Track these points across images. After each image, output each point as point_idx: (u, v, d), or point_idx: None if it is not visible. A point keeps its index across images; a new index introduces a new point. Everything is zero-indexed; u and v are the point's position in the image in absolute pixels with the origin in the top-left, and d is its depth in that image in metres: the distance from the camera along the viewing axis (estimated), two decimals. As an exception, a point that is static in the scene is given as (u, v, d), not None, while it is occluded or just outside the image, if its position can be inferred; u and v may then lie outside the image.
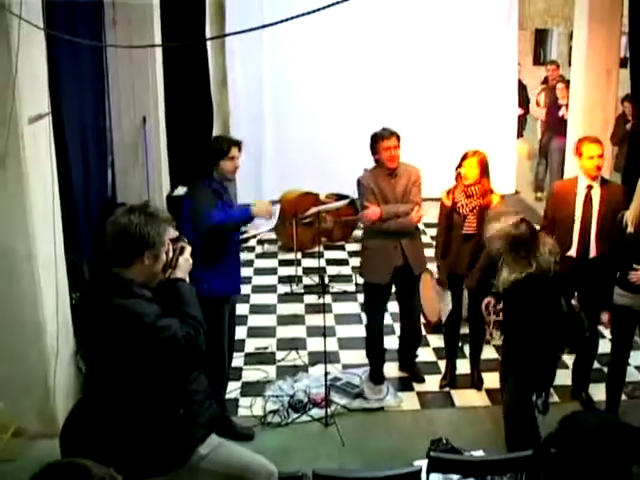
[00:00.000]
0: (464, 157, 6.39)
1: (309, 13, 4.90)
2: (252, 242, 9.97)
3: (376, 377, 6.86)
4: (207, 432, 3.83)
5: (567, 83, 10.75)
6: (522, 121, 12.50)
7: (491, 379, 6.59)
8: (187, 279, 3.76)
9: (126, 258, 3.56)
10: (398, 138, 6.40)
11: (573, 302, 6.03)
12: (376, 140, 6.40)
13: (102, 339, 3.53)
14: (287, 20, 5.02)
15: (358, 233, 9.75)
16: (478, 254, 6.33)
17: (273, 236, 10.17)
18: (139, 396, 3.56)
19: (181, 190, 9.12)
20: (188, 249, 3.78)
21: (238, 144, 5.78)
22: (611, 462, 3.32)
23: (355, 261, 7.05)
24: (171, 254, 3.68)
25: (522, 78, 12.49)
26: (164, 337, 3.44)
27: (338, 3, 4.78)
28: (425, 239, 10.18)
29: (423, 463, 4.44)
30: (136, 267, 3.56)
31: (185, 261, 3.74)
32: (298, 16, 5.00)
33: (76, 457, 2.33)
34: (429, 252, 9.11)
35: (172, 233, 3.72)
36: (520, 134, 12.38)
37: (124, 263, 3.56)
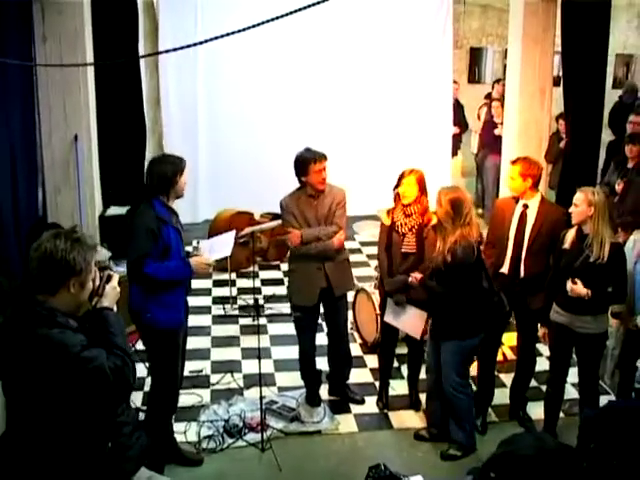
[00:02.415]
0: (402, 176, 6.36)
1: (242, 30, 4.86)
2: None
3: (312, 399, 6.78)
4: (137, 465, 3.71)
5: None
6: (458, 140, 12.57)
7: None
8: (114, 308, 3.63)
9: (51, 285, 3.41)
10: (326, 159, 6.34)
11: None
12: (307, 162, 6.29)
13: (24, 370, 3.36)
14: (220, 37, 4.97)
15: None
16: (413, 270, 6.35)
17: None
18: (65, 430, 3.41)
19: (114, 210, 8.94)
20: (115, 277, 3.66)
21: (183, 159, 5.67)
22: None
23: (291, 281, 6.99)
24: (98, 282, 3.56)
25: (459, 97, 12.60)
26: (90, 368, 3.31)
27: (271, 21, 4.74)
28: (361, 258, 10.21)
29: (361, 490, 4.37)
30: (61, 295, 3.42)
31: (112, 289, 3.62)
32: (231, 33, 4.95)
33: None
34: (365, 271, 9.13)
35: (104, 255, 3.61)
36: (455, 153, 12.45)
37: (49, 290, 3.42)
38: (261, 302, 6.57)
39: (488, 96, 12.70)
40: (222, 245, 6.36)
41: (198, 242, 7.82)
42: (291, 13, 4.74)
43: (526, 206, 6.29)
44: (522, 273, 6.28)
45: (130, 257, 5.55)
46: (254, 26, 4.81)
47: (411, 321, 6.44)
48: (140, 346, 6.40)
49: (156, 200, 5.55)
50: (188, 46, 5.72)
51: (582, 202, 5.63)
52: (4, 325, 3.48)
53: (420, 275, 6.13)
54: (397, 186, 6.39)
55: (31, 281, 3.44)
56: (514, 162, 6.36)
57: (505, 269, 6.31)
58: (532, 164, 6.32)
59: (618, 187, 8.11)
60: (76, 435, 3.43)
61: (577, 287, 5.62)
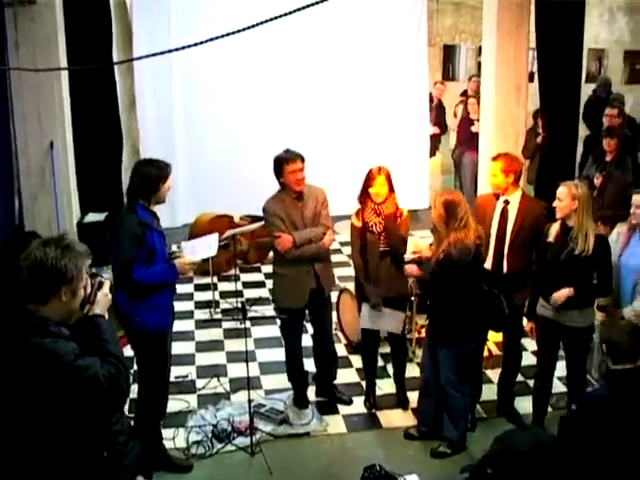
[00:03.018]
0: (372, 177, 6.32)
1: (217, 38, 4.84)
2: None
3: (300, 401, 6.74)
4: (133, 474, 3.66)
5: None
6: (437, 140, 12.58)
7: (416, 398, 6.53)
8: (106, 315, 3.58)
9: (42, 294, 3.35)
10: (303, 160, 6.29)
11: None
12: (281, 163, 6.26)
13: (17, 381, 3.29)
14: (194, 45, 4.95)
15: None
16: (395, 269, 6.38)
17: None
18: (60, 440, 3.34)
19: (92, 216, 8.86)
20: (107, 284, 3.61)
21: (169, 165, 5.64)
22: (546, 481, 3.30)
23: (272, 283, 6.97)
24: (89, 289, 3.50)
25: (442, 98, 12.60)
26: (85, 377, 3.25)
27: (246, 29, 4.73)
28: (342, 258, 10.19)
29: (357, 491, 4.35)
30: (53, 303, 3.36)
31: (104, 296, 3.57)
32: (205, 41, 4.93)
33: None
34: (346, 271, 9.11)
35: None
36: (434, 153, 12.45)
37: (40, 299, 3.35)
38: (246, 306, 6.52)
39: (464, 94, 12.72)
40: (205, 246, 6.30)
41: (178, 246, 7.75)
42: (266, 22, 4.73)
43: (507, 202, 6.31)
44: (505, 269, 6.28)
45: (116, 264, 5.51)
46: (229, 34, 4.81)
47: (388, 320, 6.45)
48: (127, 352, 6.34)
49: (137, 204, 5.50)
50: (162, 52, 5.72)
51: (566, 196, 5.65)
52: None
53: (416, 268, 6.10)
54: (368, 187, 6.35)
55: (21, 291, 3.38)
56: (495, 158, 6.37)
57: (488, 265, 6.31)
58: (513, 160, 6.34)
59: (597, 181, 8.15)
60: (71, 445, 3.37)
61: (558, 294, 5.69)
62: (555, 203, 5.73)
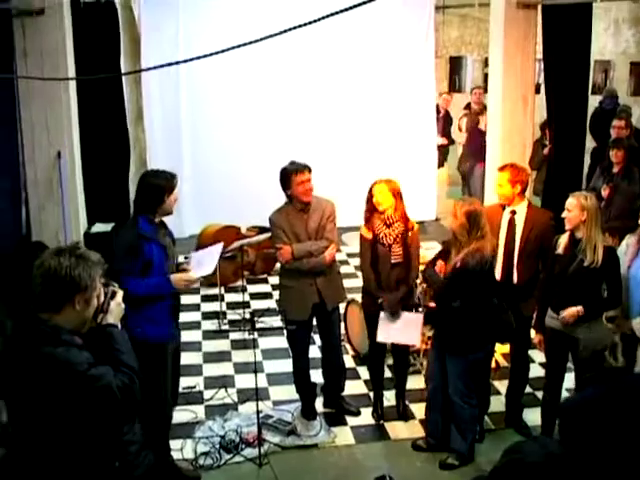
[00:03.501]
0: (371, 187, 6.34)
1: (224, 51, 4.86)
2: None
3: (308, 412, 6.73)
4: None
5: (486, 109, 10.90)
6: (445, 151, 12.59)
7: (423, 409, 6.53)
8: (119, 325, 3.57)
9: (55, 303, 3.33)
10: (310, 170, 6.28)
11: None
12: (289, 175, 6.25)
13: (29, 390, 3.28)
14: (204, 57, 4.97)
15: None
16: (405, 280, 6.38)
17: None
18: (72, 449, 3.33)
19: (99, 227, 8.88)
20: (120, 293, 3.60)
21: (175, 176, 5.59)
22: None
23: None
24: (102, 298, 3.50)
25: (449, 109, 12.62)
26: (98, 387, 3.24)
27: (253, 43, 4.74)
28: (349, 269, 10.18)
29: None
30: (66, 312, 3.34)
31: (117, 305, 3.56)
32: (213, 54, 4.95)
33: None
34: (354, 282, 9.11)
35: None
36: (442, 164, 12.46)
37: (53, 308, 3.34)
38: (255, 317, 6.50)
39: (467, 106, 12.74)
40: (208, 260, 6.16)
41: (186, 257, 7.74)
42: (273, 35, 4.75)
43: (514, 212, 6.31)
44: (515, 279, 6.28)
45: (110, 274, 5.45)
46: (236, 47, 4.82)
47: (407, 329, 6.42)
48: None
49: (141, 216, 5.48)
50: (170, 64, 5.74)
51: (575, 207, 5.64)
52: (7, 345, 3.41)
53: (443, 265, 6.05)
54: (370, 197, 6.35)
55: (35, 299, 3.38)
56: (502, 169, 6.37)
57: (497, 276, 6.30)
58: (520, 170, 6.35)
59: (604, 192, 8.14)
60: (83, 455, 3.36)
61: (568, 312, 5.69)
62: (564, 214, 5.72)
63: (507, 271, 6.31)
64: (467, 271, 5.65)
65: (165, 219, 5.73)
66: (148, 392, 5.23)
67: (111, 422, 3.41)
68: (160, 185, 5.45)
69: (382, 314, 6.42)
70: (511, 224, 6.30)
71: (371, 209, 6.38)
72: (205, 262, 6.03)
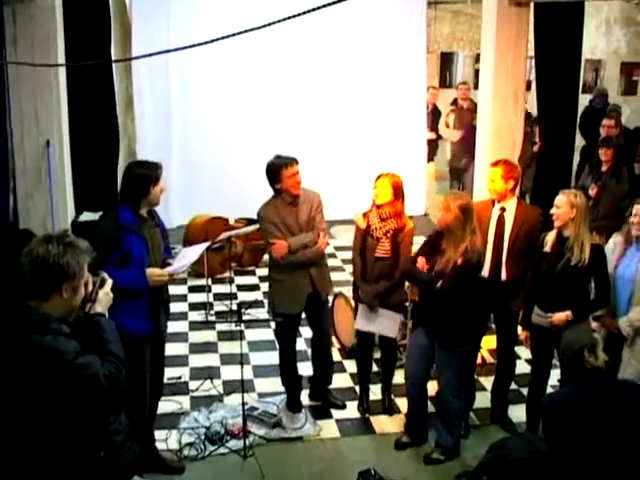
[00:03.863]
0: (376, 179, 6.36)
1: (215, 40, 4.84)
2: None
3: (293, 405, 6.73)
4: (129, 475, 3.64)
5: (474, 105, 10.91)
6: (434, 145, 12.59)
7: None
8: (106, 314, 3.55)
9: (43, 290, 3.32)
10: (298, 163, 6.27)
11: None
12: (278, 169, 6.21)
13: (16, 377, 3.26)
14: (194, 46, 4.94)
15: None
16: (388, 276, 6.40)
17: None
18: (57, 438, 3.32)
19: (87, 216, 8.84)
20: (109, 282, 3.59)
21: (160, 166, 5.49)
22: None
23: (266, 286, 6.93)
24: (90, 287, 3.48)
25: (437, 104, 12.61)
26: (85, 376, 3.23)
27: (244, 33, 4.72)
28: (336, 262, 10.19)
29: (351, 496, 4.34)
30: (54, 300, 3.33)
31: (105, 295, 3.54)
32: (204, 43, 4.93)
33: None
34: (341, 275, 9.12)
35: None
36: (431, 158, 12.46)
37: (41, 296, 3.32)
38: (242, 309, 6.48)
39: (454, 102, 12.73)
40: (189, 256, 6.04)
41: (174, 248, 7.68)
42: (264, 26, 4.73)
43: (503, 209, 6.31)
44: (504, 276, 6.29)
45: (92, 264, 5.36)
46: (227, 37, 4.80)
47: (385, 323, 6.45)
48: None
49: (123, 207, 5.40)
50: (161, 52, 5.70)
51: (564, 204, 5.65)
52: None
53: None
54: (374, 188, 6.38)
55: (23, 287, 3.36)
56: (495, 164, 6.38)
57: (485, 272, 6.32)
58: (513, 166, 6.38)
59: (592, 192, 8.16)
60: (69, 443, 3.35)
61: (557, 317, 5.71)
62: (553, 210, 5.72)
63: (495, 268, 6.32)
64: (470, 266, 5.68)
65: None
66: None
67: (97, 411, 3.40)
68: (145, 175, 5.36)
69: (360, 306, 6.49)
70: (500, 221, 6.31)
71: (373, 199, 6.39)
72: (186, 258, 5.94)
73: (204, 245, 6.41)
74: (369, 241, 6.41)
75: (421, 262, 5.94)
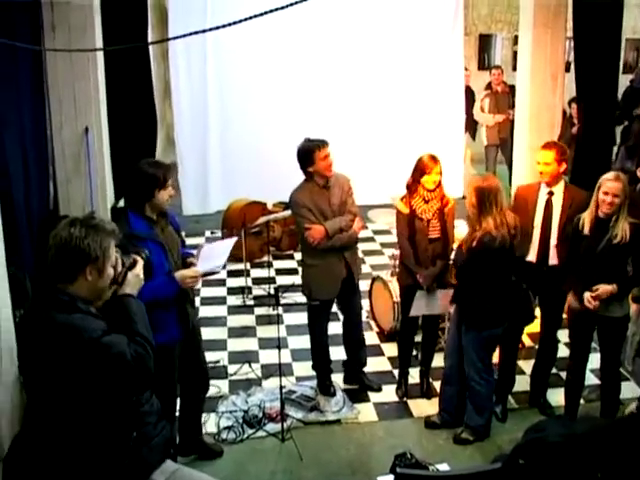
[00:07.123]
0: (425, 165, 6.23)
1: (252, 18, 4.81)
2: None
3: (326, 389, 6.75)
4: (162, 456, 3.65)
5: (511, 88, 10.79)
6: (473, 126, 12.49)
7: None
8: (136, 296, 3.57)
9: (69, 273, 3.37)
10: (329, 145, 6.25)
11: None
12: (311, 151, 6.20)
13: (45, 358, 3.30)
14: (231, 25, 4.90)
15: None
16: (442, 256, 6.39)
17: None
18: (88, 419, 3.35)
19: (126, 201, 8.90)
20: (140, 263, 3.60)
21: (170, 167, 5.24)
22: (578, 473, 3.28)
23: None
24: (120, 268, 3.50)
25: (471, 85, 12.51)
26: (111, 354, 3.26)
27: (282, 8, 4.69)
28: (376, 246, 10.18)
29: (388, 479, 4.33)
30: (80, 282, 3.37)
31: (134, 276, 3.56)
32: (241, 21, 4.89)
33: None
34: (380, 259, 9.08)
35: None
36: (473, 138, 12.37)
37: (67, 278, 3.37)
38: (279, 293, 6.48)
39: (488, 86, 12.61)
40: (219, 253, 5.71)
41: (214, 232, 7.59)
42: (300, 1, 4.69)
43: (551, 193, 6.22)
44: (554, 261, 6.20)
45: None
46: (264, 13, 4.76)
47: (441, 302, 6.42)
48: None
49: (131, 213, 5.07)
50: (197, 32, 5.65)
51: (621, 192, 5.51)
52: (25, 314, 3.43)
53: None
54: (422, 175, 6.25)
55: (49, 270, 3.40)
56: (547, 147, 6.25)
57: (532, 257, 6.25)
58: (564, 148, 6.31)
59: (640, 173, 8.00)
60: (99, 424, 3.38)
61: (602, 287, 5.57)
62: (609, 199, 5.54)
63: (543, 252, 6.24)
64: (483, 251, 5.64)
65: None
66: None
67: (125, 391, 3.43)
68: (152, 175, 5.01)
69: (418, 292, 6.38)
70: (548, 205, 6.22)
71: (417, 179, 6.30)
72: (215, 255, 5.63)
73: (230, 241, 6.12)
74: (418, 224, 6.36)
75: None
